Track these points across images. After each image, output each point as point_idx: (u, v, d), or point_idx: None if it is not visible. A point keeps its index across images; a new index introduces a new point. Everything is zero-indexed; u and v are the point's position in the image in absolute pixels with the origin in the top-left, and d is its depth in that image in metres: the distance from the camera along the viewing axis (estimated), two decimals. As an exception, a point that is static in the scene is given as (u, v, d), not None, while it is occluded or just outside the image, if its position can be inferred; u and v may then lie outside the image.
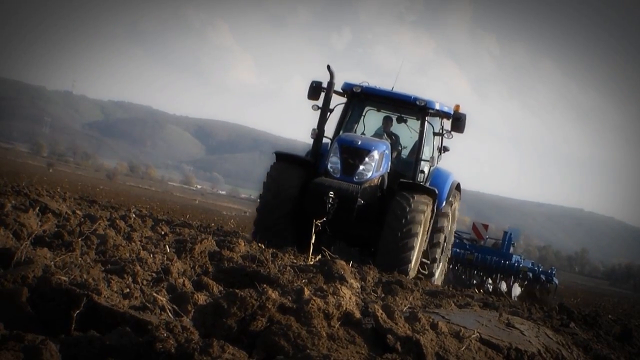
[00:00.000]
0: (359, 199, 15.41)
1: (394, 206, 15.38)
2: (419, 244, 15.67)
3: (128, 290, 4.60)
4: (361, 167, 15.75)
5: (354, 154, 15.81)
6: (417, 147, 17.09)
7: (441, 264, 17.72)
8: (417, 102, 16.96)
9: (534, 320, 7.07)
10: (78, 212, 8.58)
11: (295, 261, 10.23)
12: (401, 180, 16.16)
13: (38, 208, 7.80)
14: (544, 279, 26.27)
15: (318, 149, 16.38)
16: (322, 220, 13.48)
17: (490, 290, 24.00)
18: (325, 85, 16.73)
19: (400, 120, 17.64)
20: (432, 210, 16.02)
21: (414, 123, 17.42)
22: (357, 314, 4.08)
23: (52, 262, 5.06)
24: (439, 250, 16.91)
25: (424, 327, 4.35)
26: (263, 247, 12.41)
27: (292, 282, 6.63)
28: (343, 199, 15.24)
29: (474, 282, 25.28)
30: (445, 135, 17.22)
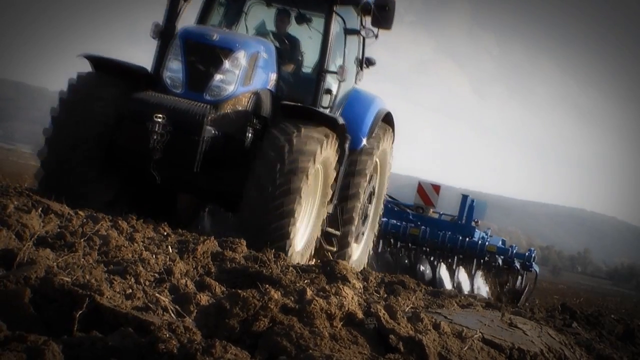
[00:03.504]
0: (207, 128, 9.91)
1: (267, 144, 10.01)
2: (309, 205, 10.71)
3: (130, 291, 4.61)
4: (217, 77, 10.25)
5: (206, 56, 10.29)
6: (321, 53, 11.36)
7: (364, 238, 12.78)
8: None
9: (536, 320, 7.07)
10: (80, 212, 8.57)
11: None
12: (283, 102, 10.75)
13: (40, 209, 7.80)
14: (517, 266, 19.09)
15: (163, 54, 10.66)
16: (151, 163, 9.71)
17: (436, 279, 17.86)
18: None
19: (301, 19, 11.81)
20: (339, 153, 10.92)
21: (321, 24, 11.58)
22: (360, 314, 4.08)
23: (55, 263, 5.07)
24: (355, 217, 11.76)
25: (426, 327, 4.36)
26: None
27: (294, 282, 6.63)
28: (180, 127, 9.75)
29: (420, 268, 18.20)
30: (364, 33, 11.62)
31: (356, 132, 11.67)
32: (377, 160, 12.41)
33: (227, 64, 10.34)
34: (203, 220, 13.07)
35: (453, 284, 17.69)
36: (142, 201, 11.14)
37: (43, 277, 3.97)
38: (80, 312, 3.61)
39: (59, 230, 6.64)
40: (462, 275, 18.45)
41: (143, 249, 6.87)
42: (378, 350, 3.90)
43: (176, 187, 11.02)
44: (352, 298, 4.61)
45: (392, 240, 18.78)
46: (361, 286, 8.10)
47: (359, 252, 12.68)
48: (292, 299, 4.00)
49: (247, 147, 10.29)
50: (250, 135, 10.37)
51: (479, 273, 18.72)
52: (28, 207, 7.77)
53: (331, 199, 11.13)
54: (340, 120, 10.91)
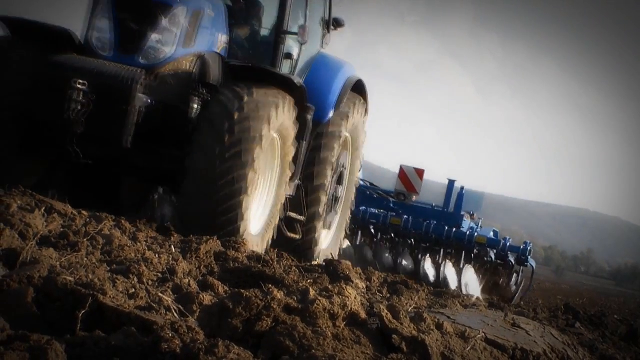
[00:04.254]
0: (139, 95, 8.44)
1: (212, 111, 8.64)
2: (266, 183, 9.33)
3: (134, 290, 4.61)
4: (153, 37, 8.76)
5: (140, 12, 8.79)
6: (279, 11, 10.03)
7: (334, 225, 11.53)
8: None
9: (539, 321, 7.07)
10: (84, 212, 8.58)
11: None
12: (231, 62, 9.39)
13: (44, 208, 7.80)
14: (512, 261, 17.35)
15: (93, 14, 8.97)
16: (70, 138, 8.29)
17: (421, 272, 16.11)
18: None
19: None
20: (299, 124, 9.55)
21: None
22: (363, 314, 4.08)
23: (58, 263, 5.07)
24: (322, 198, 10.49)
25: (429, 328, 4.35)
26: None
27: (297, 282, 6.63)
28: (106, 95, 8.25)
29: (402, 262, 16.33)
30: None
31: (322, 103, 10.30)
32: (348, 135, 11.03)
33: (164, 22, 8.80)
34: (156, 205, 11.17)
35: (438, 280, 16.05)
36: (77, 184, 9.74)
37: (46, 277, 3.98)
38: (83, 311, 3.61)
39: (62, 229, 6.64)
40: (448, 270, 16.67)
41: (146, 248, 6.87)
42: (381, 351, 3.90)
43: (107, 167, 9.31)
44: (355, 298, 4.61)
45: (372, 231, 17.20)
46: (364, 286, 8.10)
47: (328, 241, 11.44)
48: (295, 298, 4.00)
49: (191, 119, 8.75)
50: (196, 105, 8.80)
51: (468, 268, 16.90)
52: (31, 206, 7.77)
53: (292, 178, 9.77)
54: (298, 81, 9.47)
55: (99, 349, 3.24)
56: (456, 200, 17.42)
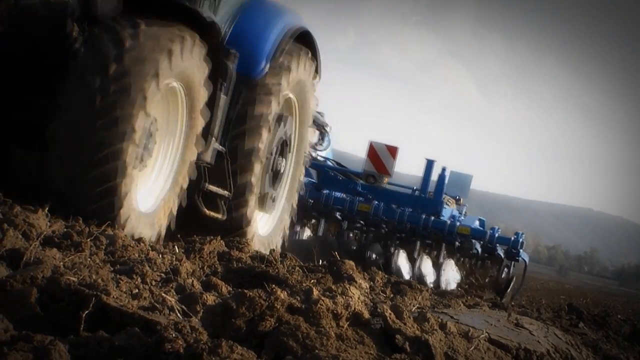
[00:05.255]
0: None
1: (86, 53, 6.84)
2: (163, 146, 7.60)
3: (137, 290, 4.61)
4: None
5: None
6: None
7: (275, 207, 9.63)
8: None
9: (543, 321, 7.07)
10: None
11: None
12: None
13: (47, 208, 7.81)
14: (502, 255, 14.86)
15: None
16: None
17: (391, 267, 13.79)
18: None
19: None
20: (217, 71, 7.86)
21: None
22: (366, 314, 4.08)
23: (61, 263, 5.07)
24: (254, 165, 8.67)
25: (432, 327, 4.35)
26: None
27: (300, 282, 6.63)
28: None
29: (371, 255, 14.06)
30: None
31: (253, 52, 8.58)
32: (291, 96, 9.38)
33: None
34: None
35: (413, 276, 13.86)
36: None
37: (49, 277, 3.98)
38: (87, 311, 3.61)
39: (65, 229, 6.64)
40: (425, 265, 14.59)
41: (149, 248, 6.87)
42: (384, 351, 3.90)
43: None
44: (359, 298, 4.62)
45: (339, 218, 14.88)
46: (367, 286, 8.10)
47: (268, 227, 9.72)
48: (299, 298, 4.00)
49: (66, 60, 6.95)
50: (75, 44, 6.95)
51: (449, 262, 14.76)
52: (34, 206, 7.78)
53: (208, 140, 8.05)
54: (208, 15, 7.71)
55: (103, 349, 3.24)
56: (436, 185, 14.92)
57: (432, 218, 14.59)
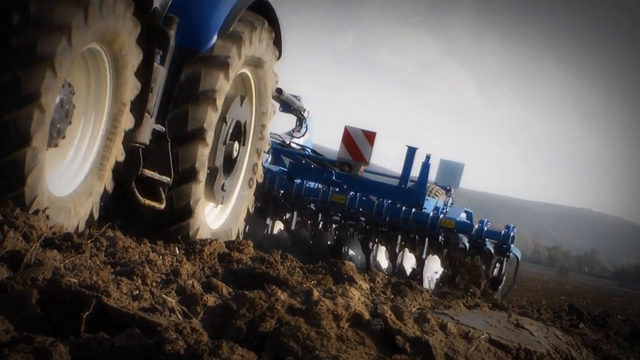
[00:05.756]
0: None
1: None
2: (82, 119, 6.58)
3: (137, 292, 4.61)
4: None
5: None
6: None
7: (230, 198, 8.85)
8: None
9: (543, 321, 7.07)
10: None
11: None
12: None
13: (48, 210, 7.80)
14: (490, 250, 13.60)
15: None
16: None
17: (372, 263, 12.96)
18: None
19: None
20: (151, 39, 6.90)
21: None
22: (366, 315, 4.08)
23: (62, 264, 5.08)
24: (201, 150, 7.83)
25: (433, 328, 4.35)
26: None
27: (301, 283, 6.64)
28: None
29: (348, 251, 12.81)
30: None
31: (200, 21, 7.68)
32: (246, 72, 8.48)
33: None
34: None
35: (394, 274, 12.78)
36: None
37: (50, 279, 3.98)
38: (87, 313, 3.61)
39: (66, 231, 6.65)
40: (407, 262, 13.54)
41: (150, 250, 6.88)
42: (385, 351, 3.91)
43: None
44: (359, 299, 4.62)
45: (313, 210, 13.61)
46: (368, 287, 8.10)
47: (222, 219, 8.91)
48: (299, 299, 4.00)
49: None
50: None
51: (433, 259, 13.45)
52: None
53: (140, 112, 7.01)
54: None
55: (103, 350, 3.24)
56: (420, 174, 13.54)
57: (414, 210, 13.23)
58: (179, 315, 4.31)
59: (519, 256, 14.62)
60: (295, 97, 14.11)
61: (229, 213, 9.03)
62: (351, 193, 13.27)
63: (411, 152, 13.53)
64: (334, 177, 13.38)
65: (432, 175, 14.50)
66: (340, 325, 3.93)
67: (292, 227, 13.55)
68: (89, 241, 6.21)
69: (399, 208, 13.26)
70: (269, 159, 13.62)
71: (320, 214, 13.67)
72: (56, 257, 5.26)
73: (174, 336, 3.34)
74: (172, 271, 5.86)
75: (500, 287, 14.05)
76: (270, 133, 11.03)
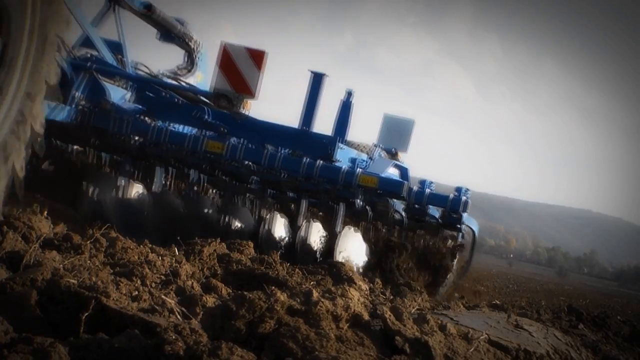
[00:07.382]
0: None
1: None
2: None
3: (137, 292, 4.61)
4: None
5: None
6: None
7: None
8: None
9: (542, 322, 7.07)
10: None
11: None
12: None
13: (47, 211, 7.82)
14: (438, 220, 10.06)
15: None
16: None
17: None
18: None
19: None
20: None
21: None
22: (366, 316, 4.08)
23: (61, 265, 5.08)
24: None
25: (432, 329, 4.35)
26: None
27: (300, 284, 6.64)
28: None
29: (230, 220, 9.57)
30: None
31: None
32: None
33: None
34: None
35: (295, 252, 9.45)
36: None
37: (49, 279, 3.98)
38: (87, 313, 3.61)
39: (65, 232, 6.65)
40: (314, 237, 9.64)
41: (149, 250, 6.88)
42: (384, 352, 3.90)
43: None
44: (358, 299, 4.62)
45: (181, 167, 9.97)
46: (367, 288, 8.11)
47: None
48: (299, 300, 4.00)
49: None
50: None
51: (349, 231, 9.66)
52: (35, 209, 7.78)
53: None
54: None
55: (102, 351, 3.24)
56: (338, 115, 9.70)
57: (321, 163, 9.55)
58: (179, 316, 4.31)
59: (476, 230, 10.73)
60: (179, 20, 10.94)
61: None
62: (233, 139, 9.64)
63: (317, 78, 9.79)
64: (206, 117, 9.87)
65: (375, 135, 11.07)
66: (340, 326, 3.93)
67: (155, 189, 9.90)
68: (88, 242, 6.21)
69: (299, 160, 9.56)
70: (130, 97, 10.03)
71: (191, 170, 10.07)
72: (55, 257, 5.26)
73: (174, 337, 3.34)
74: (171, 272, 5.86)
75: (448, 275, 10.32)
76: (137, 63, 9.37)
